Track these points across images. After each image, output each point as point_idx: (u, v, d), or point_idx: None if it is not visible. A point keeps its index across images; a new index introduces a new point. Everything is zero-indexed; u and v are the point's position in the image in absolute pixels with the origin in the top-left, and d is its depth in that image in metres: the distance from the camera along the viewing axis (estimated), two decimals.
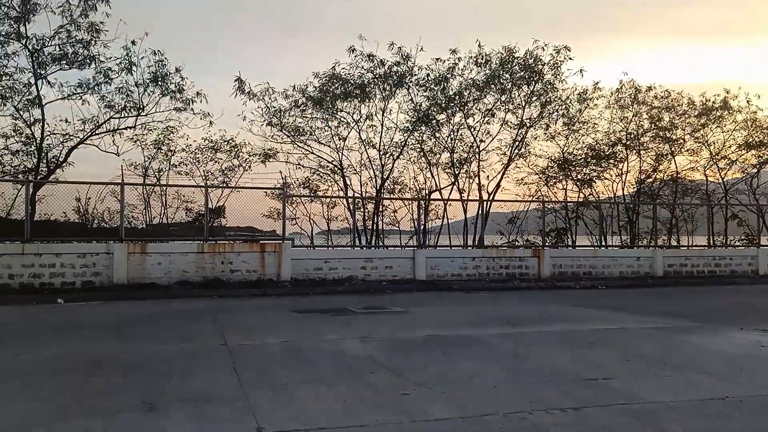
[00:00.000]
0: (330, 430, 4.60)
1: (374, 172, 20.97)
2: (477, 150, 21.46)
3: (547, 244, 21.70)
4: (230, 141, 19.36)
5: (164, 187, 18.69)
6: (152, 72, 16.74)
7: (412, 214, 21.33)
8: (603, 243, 22.96)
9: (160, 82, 16.67)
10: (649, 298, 15.49)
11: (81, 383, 6.05)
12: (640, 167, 24.06)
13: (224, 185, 19.42)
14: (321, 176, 21.72)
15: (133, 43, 16.51)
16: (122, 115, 17.12)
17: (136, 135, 18.10)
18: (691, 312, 12.24)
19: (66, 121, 17.32)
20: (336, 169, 21.07)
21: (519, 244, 22.03)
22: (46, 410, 5.13)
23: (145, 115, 17.33)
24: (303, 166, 20.90)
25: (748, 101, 23.46)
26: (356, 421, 4.81)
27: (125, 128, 17.35)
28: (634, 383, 6.02)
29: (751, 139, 23.77)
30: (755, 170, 24.90)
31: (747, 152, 24.15)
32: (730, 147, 24.18)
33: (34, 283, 15.24)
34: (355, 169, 21.19)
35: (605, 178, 23.92)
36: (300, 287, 17.13)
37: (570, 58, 20.45)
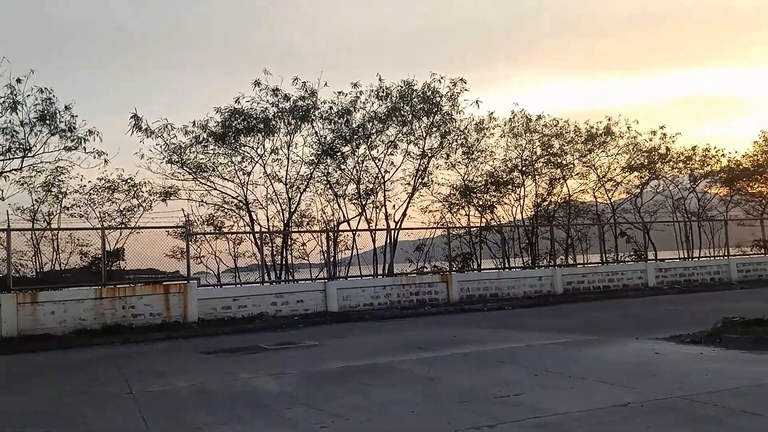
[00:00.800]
0: None
1: (281, 206, 20.80)
2: (382, 180, 21.83)
3: (454, 269, 22.28)
4: (128, 180, 18.58)
5: (56, 231, 17.61)
6: (39, 110, 15.83)
7: (321, 247, 21.29)
8: (506, 265, 23.84)
9: (48, 121, 15.77)
10: (551, 316, 16.21)
11: None
12: (536, 191, 25.36)
13: (123, 226, 18.58)
14: (225, 212, 21.27)
15: (18, 81, 15.61)
16: (7, 157, 16.05)
17: (23, 177, 17.00)
18: (590, 326, 12.92)
19: None
20: (241, 204, 20.73)
21: (427, 271, 22.46)
22: None
23: (33, 156, 16.32)
24: (206, 203, 20.40)
25: (628, 127, 25.42)
26: None
27: (10, 171, 16.24)
28: (542, 397, 6.29)
29: (633, 162, 25.67)
30: (638, 190, 26.87)
31: (630, 174, 26.04)
32: (614, 170, 26.01)
33: None
34: (261, 204, 20.95)
35: (504, 203, 25.00)
36: (208, 328, 16.57)
37: (466, 89, 21.41)
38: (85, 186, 18.16)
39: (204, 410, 6.56)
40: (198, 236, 19.95)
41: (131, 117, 18.15)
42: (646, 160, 25.72)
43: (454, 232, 23.48)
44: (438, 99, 21.30)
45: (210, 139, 19.50)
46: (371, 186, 21.94)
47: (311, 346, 12.00)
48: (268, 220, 20.92)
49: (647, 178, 26.27)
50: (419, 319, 17.53)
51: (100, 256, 19.48)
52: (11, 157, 15.93)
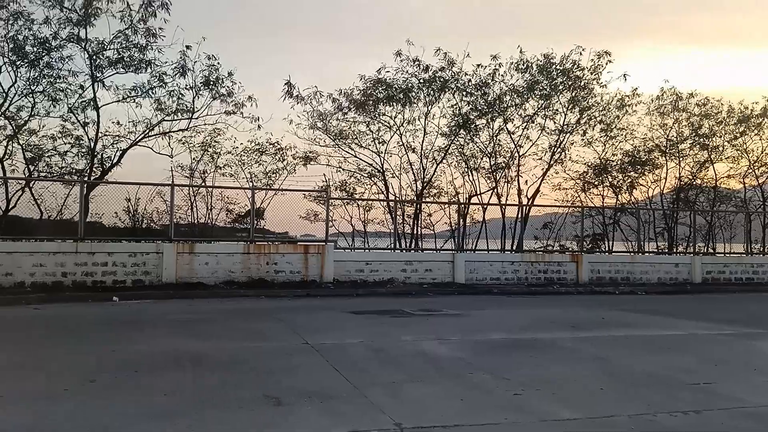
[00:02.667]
0: (466, 428, 4.70)
1: (414, 176, 21.09)
2: (516, 155, 21.52)
3: (584, 249, 21.70)
4: (275, 144, 19.54)
5: (211, 189, 18.87)
6: (205, 76, 16.98)
7: (450, 218, 21.44)
8: (640, 249, 22.88)
9: (212, 86, 16.89)
10: (697, 304, 15.47)
11: (194, 378, 6.20)
12: (679, 174, 24.01)
13: (268, 188, 19.57)
14: (358, 179, 21.86)
15: (188, 47, 16.77)
16: (174, 118, 17.36)
17: (184, 137, 18.33)
18: (748, 319, 12.24)
19: (118, 123, 17.59)
20: (376, 172, 21.20)
21: (554, 249, 22.03)
22: (177, 402, 5.27)
23: (197, 118, 17.58)
24: (343, 170, 21.04)
25: None
26: (485, 419, 4.91)
27: (178, 131, 17.59)
28: (736, 388, 6.09)
29: None
30: None
31: None
32: None
33: (86, 281, 15.45)
34: (394, 173, 21.33)
35: (641, 184, 23.88)
36: (342, 288, 17.24)
37: (610, 62, 20.50)
38: (237, 147, 19.29)
39: (389, 367, 6.89)
40: (333, 201, 20.69)
41: (285, 83, 19.05)
42: None
43: (586, 212, 22.80)
44: (579, 72, 20.56)
45: (352, 107, 20.02)
46: (504, 160, 21.70)
47: (455, 315, 12.18)
48: (400, 189, 21.31)
49: None
50: (551, 297, 17.29)
51: (242, 214, 20.80)
52: (178, 118, 17.21)
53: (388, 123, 20.73)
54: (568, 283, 20.30)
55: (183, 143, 18.58)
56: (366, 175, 21.65)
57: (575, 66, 20.43)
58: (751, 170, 24.33)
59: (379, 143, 20.98)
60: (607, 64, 20.42)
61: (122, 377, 6.24)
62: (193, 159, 19.02)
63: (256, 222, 21.28)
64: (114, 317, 11.28)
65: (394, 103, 20.23)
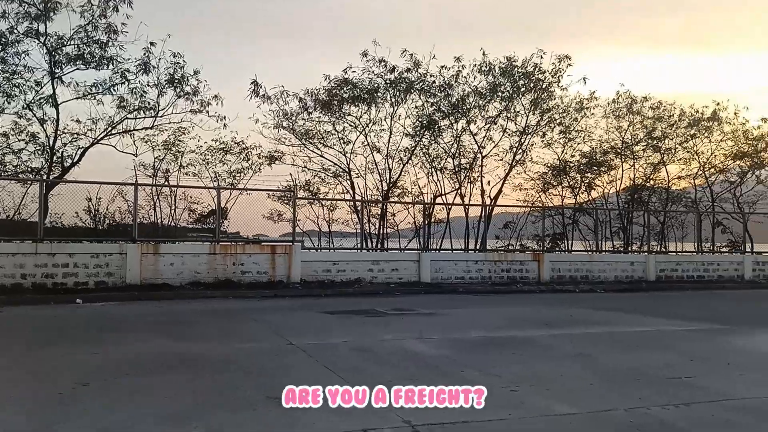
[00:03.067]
0: (475, 424, 4.80)
1: (379, 176, 21.19)
2: (480, 156, 21.87)
3: (545, 248, 22.23)
4: (240, 143, 19.33)
5: (175, 188, 18.53)
6: (169, 74, 16.65)
7: (415, 218, 21.65)
8: (598, 248, 23.58)
9: (176, 84, 16.58)
10: (656, 301, 16.07)
11: (192, 380, 6.12)
12: (633, 175, 24.84)
13: (232, 187, 19.35)
14: (323, 179, 21.85)
15: (152, 44, 16.42)
16: (137, 116, 16.97)
17: (147, 135, 17.95)
18: (709, 315, 12.79)
19: (78, 121, 17.08)
20: (342, 172, 21.22)
21: (516, 248, 22.49)
22: (181, 405, 5.19)
23: (161, 116, 17.23)
24: (308, 169, 20.98)
25: (736, 113, 24.43)
26: (490, 415, 5.02)
27: (142, 129, 17.20)
28: (718, 382, 6.38)
29: (737, 150, 24.71)
30: (739, 180, 25.91)
31: (734, 162, 25.12)
32: (717, 157, 25.13)
33: (47, 282, 14.99)
34: (358, 173, 21.40)
35: (597, 185, 24.61)
36: (310, 288, 17.20)
37: (570, 65, 21.07)
38: (201, 147, 19.01)
39: (380, 365, 6.95)
40: (299, 200, 20.59)
41: (251, 83, 18.90)
42: (752, 149, 24.73)
43: (547, 212, 23.34)
44: (540, 75, 21.07)
45: (317, 107, 19.97)
46: (467, 161, 22.03)
47: (429, 314, 12.32)
48: (366, 189, 21.38)
49: (751, 166, 25.28)
50: (516, 296, 17.65)
51: (205, 213, 20.51)
52: (142, 116, 16.83)
53: (354, 123, 20.81)
54: (530, 281, 20.77)
55: (146, 142, 18.24)
56: (331, 175, 21.69)
57: (536, 69, 20.93)
58: (701, 172, 25.39)
59: (344, 143, 21.06)
60: (567, 67, 21.04)
61: (115, 380, 6.10)
62: (156, 158, 18.67)
63: (221, 222, 21.11)
64: (85, 320, 10.99)
65: (360, 104, 20.31)
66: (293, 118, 20.03)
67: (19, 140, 17.62)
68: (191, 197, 19.14)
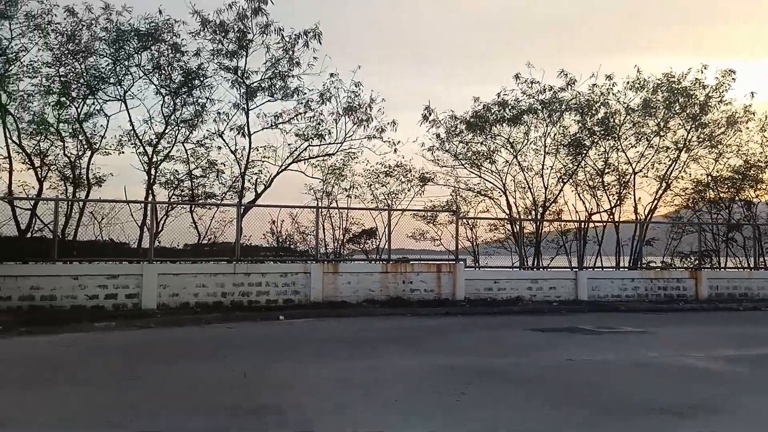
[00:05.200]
0: None
1: (532, 195, 21.44)
2: (632, 173, 21.73)
3: (703, 265, 21.72)
4: (401, 165, 20.11)
5: (346, 210, 19.45)
6: (348, 102, 17.73)
7: (564, 236, 21.67)
8: (756, 265, 22.74)
9: (356, 112, 17.61)
10: None
11: (516, 391, 6.55)
12: None
13: (403, 209, 20.17)
14: (464, 198, 22.33)
15: (332, 75, 17.60)
16: (321, 143, 18.07)
17: (317, 160, 18.99)
18: None
19: (264, 148, 18.31)
20: (488, 191, 21.66)
21: (669, 265, 22.06)
22: (571, 415, 5.61)
23: (340, 143, 18.30)
24: (461, 189, 21.53)
25: None
26: None
27: (325, 155, 18.30)
28: None
29: None
30: None
31: None
32: None
33: (243, 300, 16.04)
34: (501, 192, 21.80)
35: (752, 200, 23.71)
36: (476, 306, 17.55)
37: (734, 79, 20.67)
38: (368, 170, 19.93)
39: (694, 381, 7.12)
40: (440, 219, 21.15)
41: (425, 108, 20.05)
42: None
43: (695, 228, 22.77)
44: (700, 91, 20.76)
45: (472, 129, 20.56)
46: (616, 179, 21.93)
47: (641, 332, 12.35)
48: (516, 208, 21.69)
49: None
50: (685, 314, 17.41)
51: (358, 233, 21.30)
52: (324, 143, 17.95)
53: (503, 143, 21.20)
54: (687, 299, 20.37)
55: (315, 166, 19.25)
56: (475, 194, 22.11)
57: (696, 84, 20.64)
58: None
59: (491, 162, 21.47)
60: (732, 81, 20.60)
61: (477, 390, 6.61)
62: (324, 181, 19.63)
63: (369, 240, 21.87)
64: (324, 335, 11.67)
65: (513, 124, 20.69)
66: (450, 139, 20.69)
67: (197, 166, 18.97)
68: (353, 218, 19.98)
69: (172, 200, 18.54)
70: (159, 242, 16.61)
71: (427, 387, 6.79)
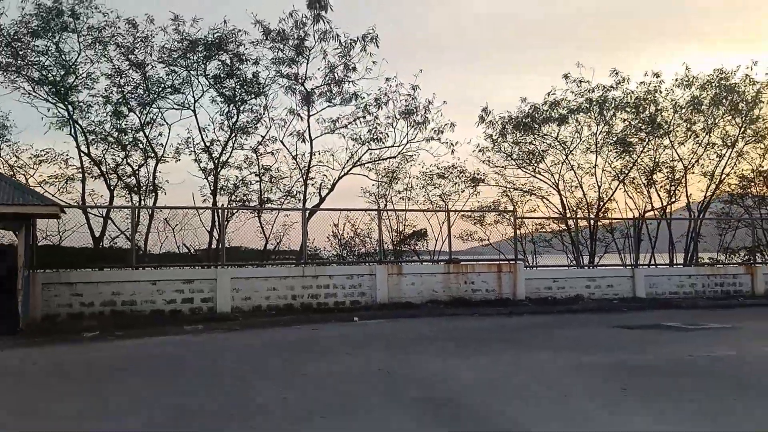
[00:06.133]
0: None
1: (583, 193, 21.49)
2: (684, 170, 21.74)
3: (758, 261, 21.67)
4: (458, 167, 20.24)
5: (404, 212, 19.58)
6: (404, 106, 17.94)
7: (612, 233, 21.67)
8: None
9: (414, 116, 17.82)
10: None
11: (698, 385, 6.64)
12: None
13: (462, 210, 20.31)
14: (510, 198, 22.39)
15: (387, 80, 17.81)
16: (381, 146, 18.25)
17: (370, 163, 19.16)
18: None
19: (323, 153, 18.48)
20: (536, 190, 21.77)
21: (724, 261, 22.03)
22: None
23: (401, 146, 18.47)
24: (511, 189, 21.60)
25: None
26: None
27: (388, 158, 18.46)
28: None
29: None
30: None
31: None
32: None
33: (312, 303, 16.17)
34: (548, 191, 21.92)
35: None
36: (538, 305, 17.57)
37: None
38: (424, 172, 20.06)
39: None
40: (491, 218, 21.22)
41: (482, 110, 20.18)
42: None
43: (746, 224, 22.72)
44: (751, 87, 20.77)
45: (519, 129, 20.70)
46: (666, 175, 21.95)
47: (730, 327, 12.34)
48: (569, 206, 21.73)
49: None
50: (752, 309, 17.37)
51: (409, 235, 21.37)
52: (382, 146, 18.14)
53: (557, 141, 21.28)
54: (744, 294, 20.34)
55: (370, 170, 19.41)
56: (522, 194, 22.20)
57: (746, 80, 20.65)
58: None
59: (538, 161, 21.57)
60: None
61: (640, 386, 6.72)
62: (381, 184, 19.78)
63: (419, 241, 21.92)
64: (421, 334, 11.80)
65: (562, 124, 20.78)
66: (502, 140, 20.81)
67: (250, 172, 19.14)
68: (407, 220, 20.08)
69: (232, 206, 18.75)
70: (229, 243, 16.75)
71: (586, 383, 6.86)
